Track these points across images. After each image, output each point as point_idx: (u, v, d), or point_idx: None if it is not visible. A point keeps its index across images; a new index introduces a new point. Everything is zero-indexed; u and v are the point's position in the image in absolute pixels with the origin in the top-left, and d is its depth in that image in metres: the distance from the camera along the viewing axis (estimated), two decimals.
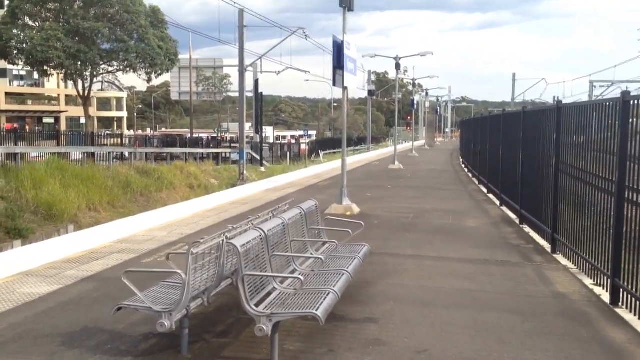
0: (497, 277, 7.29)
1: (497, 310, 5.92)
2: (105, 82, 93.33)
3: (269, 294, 4.85)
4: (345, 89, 11.99)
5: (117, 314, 4.73)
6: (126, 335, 5.10)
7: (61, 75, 43.09)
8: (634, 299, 5.84)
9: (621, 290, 6.17)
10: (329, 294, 4.70)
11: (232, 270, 5.09)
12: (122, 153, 35.09)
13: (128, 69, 35.55)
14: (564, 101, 9.48)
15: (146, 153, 35.71)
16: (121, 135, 38.90)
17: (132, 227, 10.21)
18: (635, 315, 5.79)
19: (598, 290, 6.77)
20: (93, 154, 30.46)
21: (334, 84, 11.71)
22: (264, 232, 4.96)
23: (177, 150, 40.06)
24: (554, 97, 76.72)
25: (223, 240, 4.73)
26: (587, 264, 7.31)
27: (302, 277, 4.28)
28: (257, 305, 4.44)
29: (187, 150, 42.16)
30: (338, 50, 11.39)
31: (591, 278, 7.19)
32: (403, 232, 10.24)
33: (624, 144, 6.16)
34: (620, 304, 6.18)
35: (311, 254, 6.18)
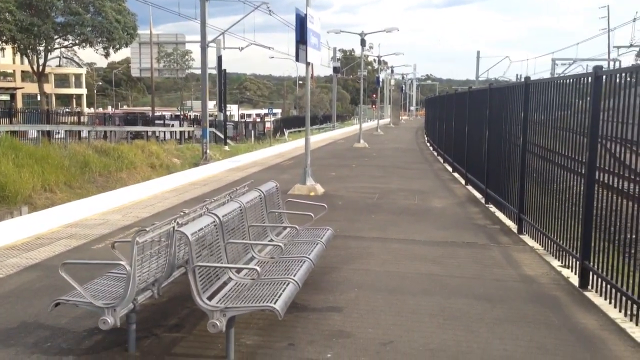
0: (464, 260, 7.08)
1: (465, 297, 5.70)
2: (64, 57, 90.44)
3: (225, 284, 4.51)
4: (308, 64, 11.58)
5: (60, 307, 4.32)
6: (69, 330, 4.70)
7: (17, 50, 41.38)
8: (604, 282, 5.68)
9: (590, 273, 6.01)
10: (288, 284, 4.37)
11: (185, 258, 4.72)
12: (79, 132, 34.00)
13: (84, 43, 34.20)
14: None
15: (105, 131, 34.62)
16: (78, 113, 37.53)
17: (84, 210, 9.69)
18: (605, 299, 5.63)
19: (566, 272, 6.62)
20: (49, 132, 29.34)
21: (297, 60, 11.28)
22: (218, 218, 4.59)
23: (139, 128, 38.99)
24: (517, 75, 77.64)
25: (173, 228, 4.34)
26: (555, 245, 7.16)
27: (258, 268, 3.93)
28: (210, 298, 4.09)
29: (149, 128, 41.14)
30: (301, 24, 10.94)
31: (559, 260, 7.04)
32: (368, 214, 9.97)
33: (595, 122, 5.95)
34: (589, 287, 6.03)
35: (271, 239, 5.84)
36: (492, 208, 10.57)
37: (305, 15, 10.97)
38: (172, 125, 47.80)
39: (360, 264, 6.79)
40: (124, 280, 4.19)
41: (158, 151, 34.64)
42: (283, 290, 4.20)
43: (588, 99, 6.19)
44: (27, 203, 21.31)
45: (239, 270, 4.75)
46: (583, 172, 6.20)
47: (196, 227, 4.17)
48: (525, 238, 8.30)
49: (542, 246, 7.65)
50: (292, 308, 4.97)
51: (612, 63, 52.70)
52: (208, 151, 32.64)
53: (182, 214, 4.64)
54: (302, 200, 10.40)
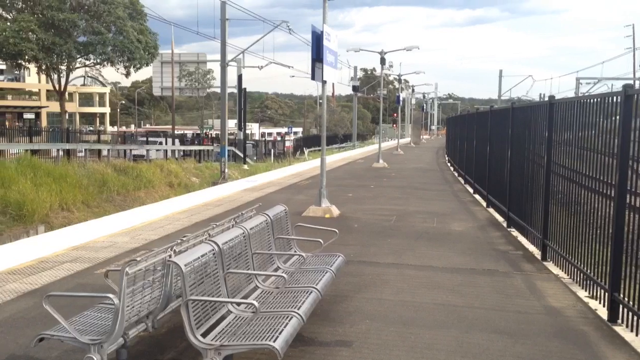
0: (485, 289, 6.67)
1: (485, 331, 5.30)
2: (88, 77, 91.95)
3: (223, 317, 4.19)
4: (324, 82, 11.32)
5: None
6: None
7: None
8: (635, 317, 5.25)
9: (621, 306, 5.58)
10: (291, 318, 4.04)
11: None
12: (99, 150, 34.17)
13: (106, 62, 34.49)
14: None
15: (125, 150, 34.75)
16: (99, 132, 37.77)
17: (93, 231, 9.48)
18: (637, 335, 5.19)
19: (594, 304, 6.18)
20: (68, 151, 29.50)
21: (313, 78, 11.03)
22: (217, 246, 4.28)
23: (158, 147, 39.13)
24: (540, 94, 76.75)
25: (170, 256, 4.05)
26: (581, 274, 6.72)
27: (256, 303, 3.60)
28: (206, 333, 3.77)
29: (169, 147, 41.28)
30: (317, 42, 10.70)
31: (585, 290, 6.60)
32: (384, 237, 9.60)
33: (625, 143, 5.55)
34: (619, 321, 5.59)
35: (278, 267, 5.52)
36: (515, 232, 10.13)
37: (322, 32, 10.73)
38: (195, 143, 47.94)
39: (374, 293, 6.42)
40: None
41: (177, 170, 34.67)
42: (285, 326, 3.87)
43: (615, 118, 5.82)
44: (44, 222, 21.31)
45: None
46: (612, 194, 5.80)
47: (191, 257, 3.86)
48: (550, 265, 7.86)
49: (568, 275, 7.21)
50: (297, 341, 4.64)
51: (637, 82, 51.82)
52: (226, 170, 32.57)
53: (179, 241, 4.34)
54: (315, 223, 10.05)
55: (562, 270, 7.44)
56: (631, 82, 52.72)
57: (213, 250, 4.19)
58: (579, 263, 6.78)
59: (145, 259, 3.88)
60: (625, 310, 5.47)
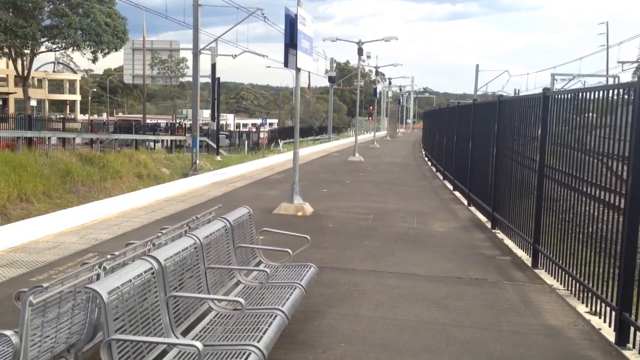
0: (474, 302, 5.94)
1: (478, 357, 4.55)
2: (59, 63, 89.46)
3: (164, 352, 3.35)
4: (298, 70, 10.47)
5: None
6: None
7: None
8: None
9: (631, 327, 4.88)
10: (249, 355, 3.22)
11: None
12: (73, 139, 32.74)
13: (72, 47, 32.98)
14: (525, 94, 8.28)
15: (91, 139, 33.45)
16: (63, 120, 36.26)
17: (38, 229, 8.52)
18: None
19: (596, 321, 5.49)
20: (30, 139, 28.13)
21: (286, 65, 10.17)
22: (158, 262, 3.44)
23: (127, 136, 37.85)
24: (515, 90, 76.78)
25: (93, 278, 3.19)
26: (580, 286, 6.03)
27: (199, 346, 2.77)
28: None
29: (139, 137, 39.99)
30: (291, 25, 9.84)
31: (585, 304, 5.91)
32: (361, 239, 8.83)
33: (638, 146, 4.84)
34: (629, 345, 4.90)
35: (239, 280, 4.69)
36: (500, 234, 9.45)
37: (296, 15, 9.87)
38: (168, 133, 46.69)
39: (350, 307, 5.64)
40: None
41: (146, 160, 33.46)
42: None
43: (621, 117, 5.11)
44: (0, 214, 20.13)
45: (185, 331, 3.59)
46: (621, 205, 5.09)
47: (119, 281, 3.02)
48: (542, 274, 7.18)
49: (564, 285, 6.52)
50: None
51: (610, 79, 52.02)
52: (198, 161, 31.57)
53: (110, 256, 3.48)
54: (287, 222, 9.29)
55: (557, 280, 6.75)
56: (604, 79, 52.93)
57: (152, 269, 3.35)
58: (577, 273, 6.09)
59: (61, 282, 3.02)
60: (638, 332, 4.79)
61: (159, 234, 4.05)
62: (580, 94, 6.44)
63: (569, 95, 6.75)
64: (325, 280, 6.47)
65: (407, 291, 6.27)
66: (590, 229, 5.84)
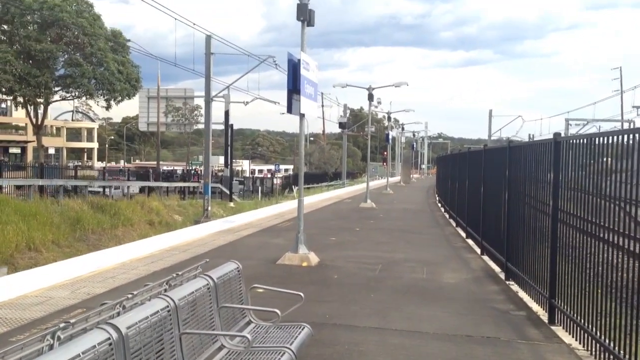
0: None
1: None
2: (78, 112, 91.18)
3: None
4: (302, 116, 10.23)
5: None
6: None
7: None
8: None
9: None
10: None
11: None
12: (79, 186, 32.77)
13: (85, 95, 33.36)
14: (539, 138, 7.97)
15: (103, 187, 33.45)
16: (76, 168, 36.41)
17: (30, 282, 8.19)
18: None
19: None
20: (42, 187, 28.17)
21: (289, 111, 9.94)
22: (118, 332, 3.06)
23: (141, 183, 37.89)
24: (529, 135, 76.37)
25: (42, 349, 2.82)
26: (602, 349, 5.52)
27: None
28: None
29: (152, 183, 40.02)
30: (294, 71, 9.65)
31: None
32: (367, 292, 8.37)
33: None
34: None
35: (222, 345, 4.28)
36: (515, 286, 8.93)
37: (299, 60, 9.69)
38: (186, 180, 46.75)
39: None
40: None
41: (158, 207, 33.31)
42: None
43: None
44: (8, 263, 19.88)
45: None
46: None
47: (66, 356, 2.64)
48: (559, 331, 6.66)
49: (583, 345, 6.00)
50: None
51: (625, 124, 51.56)
52: (209, 208, 31.37)
53: (64, 324, 3.11)
54: (290, 272, 8.85)
55: (576, 339, 6.23)
56: (619, 123, 52.48)
57: (110, 339, 2.97)
58: (597, 332, 5.59)
59: (1, 356, 2.66)
60: None
61: (128, 296, 3.68)
62: (592, 139, 6.08)
63: (581, 140, 6.39)
64: (325, 338, 6.03)
65: (413, 352, 5.79)
66: (611, 281, 5.38)
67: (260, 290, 5.81)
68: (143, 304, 3.60)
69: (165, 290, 4.16)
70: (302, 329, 4.74)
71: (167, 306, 3.63)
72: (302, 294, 5.04)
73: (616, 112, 51.55)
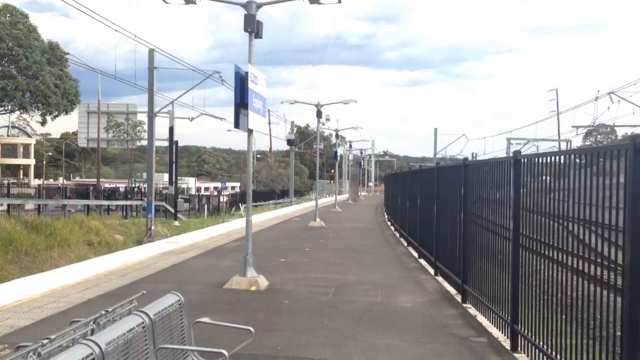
0: None
1: None
2: (14, 127, 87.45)
3: None
4: (250, 132, 9.72)
5: None
6: None
7: None
8: None
9: None
10: None
11: None
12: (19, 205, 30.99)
13: (18, 109, 31.71)
14: (482, 157, 7.79)
15: (39, 205, 31.88)
16: (8, 185, 34.51)
17: None
18: None
19: None
20: None
21: (236, 126, 9.42)
22: None
23: (79, 202, 36.32)
24: (472, 153, 78.05)
25: None
26: None
27: None
28: None
29: (92, 202, 38.43)
30: (241, 84, 9.15)
31: None
32: (320, 318, 7.87)
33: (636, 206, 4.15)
34: None
35: None
36: (472, 309, 8.62)
37: (247, 73, 9.20)
38: (129, 197, 45.20)
39: None
40: None
41: (98, 227, 31.80)
42: None
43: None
44: None
45: None
46: (622, 286, 4.35)
47: None
48: (522, 358, 6.34)
49: None
50: None
51: (563, 144, 53.33)
52: (153, 227, 30.30)
53: None
54: (238, 297, 8.21)
55: None
56: (556, 143, 54.21)
57: None
58: None
59: None
60: None
61: (42, 343, 3.07)
62: (553, 157, 5.83)
63: (544, 159, 6.13)
64: None
65: None
66: (572, 304, 5.08)
67: (208, 322, 5.23)
68: (62, 352, 2.99)
69: (92, 332, 3.56)
70: None
71: (92, 354, 3.04)
72: (252, 328, 4.50)
73: (562, 130, 53.18)
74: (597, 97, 36.45)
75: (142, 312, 3.81)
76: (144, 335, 3.69)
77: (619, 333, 4.44)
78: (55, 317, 7.42)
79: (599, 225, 4.78)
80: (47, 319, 7.30)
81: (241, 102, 9.19)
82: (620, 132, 55.14)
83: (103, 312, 3.74)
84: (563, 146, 49.81)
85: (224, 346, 4.68)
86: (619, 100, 35.14)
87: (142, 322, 3.71)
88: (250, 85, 9.13)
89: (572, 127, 45.72)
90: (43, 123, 32.65)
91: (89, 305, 7.95)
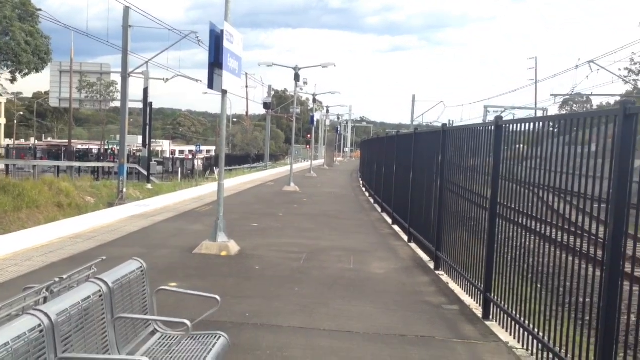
0: None
1: None
2: None
3: None
4: (225, 93, 9.38)
5: None
6: None
7: None
8: None
9: None
10: None
11: None
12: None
13: None
14: (459, 124, 7.63)
15: (7, 165, 31.12)
16: None
17: None
18: None
19: None
20: None
21: (210, 86, 9.07)
22: None
23: (48, 163, 35.53)
24: (449, 120, 78.27)
25: None
26: (542, 348, 5.14)
27: None
28: None
29: (62, 163, 37.66)
30: (216, 42, 8.78)
31: None
32: (291, 285, 7.73)
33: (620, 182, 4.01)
34: None
35: None
36: (445, 276, 8.57)
37: (222, 31, 8.82)
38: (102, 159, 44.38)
39: None
40: None
41: (69, 188, 31.26)
42: None
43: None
44: None
45: None
46: (602, 258, 4.24)
47: None
48: (495, 327, 6.29)
49: (521, 344, 5.62)
50: None
51: (539, 112, 53.69)
52: (125, 190, 29.77)
53: None
54: (208, 263, 8.01)
55: (513, 337, 5.85)
56: (532, 112, 54.55)
57: None
58: (538, 330, 5.21)
59: None
60: None
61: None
62: (532, 123, 5.66)
63: (524, 125, 5.97)
64: (244, 342, 5.34)
65: (344, 355, 5.21)
66: (554, 279, 4.99)
67: (171, 290, 5.02)
68: (7, 323, 2.76)
69: (45, 300, 3.32)
70: (218, 339, 4.03)
71: (40, 325, 2.81)
72: (218, 297, 4.30)
73: (540, 98, 53.57)
74: (577, 66, 36.50)
75: (99, 279, 3.57)
76: (100, 305, 3.47)
77: (588, 300, 4.38)
78: (14, 281, 7.15)
79: (580, 197, 4.66)
80: (5, 284, 7.02)
81: (215, 61, 8.83)
82: (596, 102, 55.62)
83: (57, 280, 3.50)
84: (539, 114, 50.04)
85: (190, 314, 4.50)
86: (598, 69, 35.24)
87: (99, 291, 3.47)
88: (226, 44, 8.76)
89: (551, 95, 45.91)
90: (13, 81, 31.54)
91: (51, 269, 7.68)
